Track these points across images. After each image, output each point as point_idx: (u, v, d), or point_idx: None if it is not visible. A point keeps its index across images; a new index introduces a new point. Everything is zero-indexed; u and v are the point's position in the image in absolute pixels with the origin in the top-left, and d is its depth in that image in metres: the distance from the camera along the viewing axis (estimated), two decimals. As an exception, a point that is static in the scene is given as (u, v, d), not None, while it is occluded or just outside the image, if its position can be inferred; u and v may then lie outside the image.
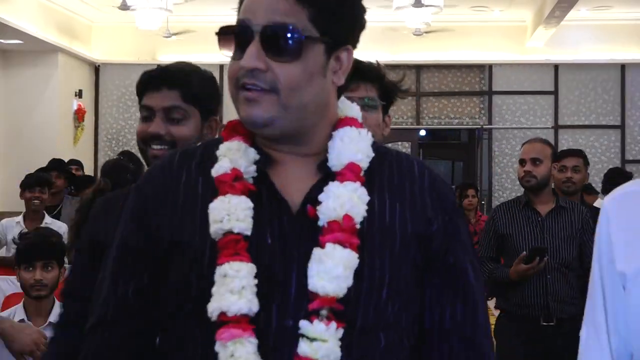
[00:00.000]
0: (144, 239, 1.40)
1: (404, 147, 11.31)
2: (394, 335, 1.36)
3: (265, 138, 1.38)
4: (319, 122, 1.38)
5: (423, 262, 1.38)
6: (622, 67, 11.09)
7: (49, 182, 6.14)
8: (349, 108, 1.44)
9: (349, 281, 1.29)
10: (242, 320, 1.28)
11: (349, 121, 1.41)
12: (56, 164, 7.11)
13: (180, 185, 1.39)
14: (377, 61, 2.36)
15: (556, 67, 11.31)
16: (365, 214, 1.32)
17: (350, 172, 1.34)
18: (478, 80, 11.56)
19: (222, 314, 1.28)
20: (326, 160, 1.36)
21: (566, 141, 10.99)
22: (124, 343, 1.41)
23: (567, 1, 8.82)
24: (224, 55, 1.33)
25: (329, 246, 1.29)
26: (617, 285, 1.50)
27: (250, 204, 1.32)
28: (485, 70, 11.48)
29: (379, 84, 2.30)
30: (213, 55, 11.10)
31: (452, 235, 1.40)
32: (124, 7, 9.27)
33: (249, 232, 1.31)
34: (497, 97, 11.48)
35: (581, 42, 11.03)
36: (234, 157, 1.36)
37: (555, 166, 4.31)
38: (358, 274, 1.30)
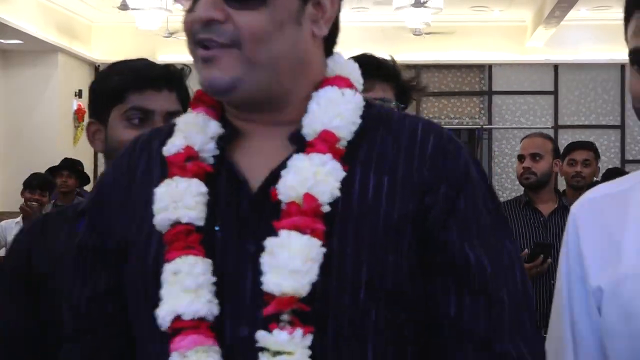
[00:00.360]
0: (96, 240, 1.20)
1: (404, 147, 11.30)
2: (387, 345, 1.09)
3: (232, 105, 1.15)
4: (296, 83, 1.13)
5: (420, 247, 1.10)
6: (622, 67, 11.09)
7: (51, 186, 6.12)
8: (343, 66, 1.18)
9: (311, 276, 1.03)
10: (201, 326, 1.06)
11: (335, 80, 1.15)
12: (68, 164, 7.10)
13: (138, 171, 1.19)
14: (392, 57, 2.13)
15: (556, 67, 11.31)
16: (337, 193, 1.07)
17: (322, 142, 1.09)
18: (478, 80, 11.56)
19: (177, 318, 1.06)
20: (301, 129, 1.12)
21: (566, 141, 10.94)
22: (89, 358, 1.21)
23: (567, 1, 8.82)
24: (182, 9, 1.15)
25: (284, 234, 1.05)
26: (591, 307, 1.25)
27: (203, 189, 1.11)
28: (485, 70, 11.48)
29: (395, 84, 2.09)
30: (213, 55, 10.89)
31: (452, 209, 1.10)
32: (124, 7, 9.27)
33: (201, 222, 1.10)
34: (497, 97, 11.48)
35: (581, 42, 11.03)
36: (189, 132, 1.15)
37: (557, 162, 4.01)
38: (325, 267, 1.05)
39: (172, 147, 1.15)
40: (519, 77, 11.39)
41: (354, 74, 1.18)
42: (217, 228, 1.10)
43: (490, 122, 11.46)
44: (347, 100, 1.13)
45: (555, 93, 11.37)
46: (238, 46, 1.08)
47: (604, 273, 1.24)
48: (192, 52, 1.12)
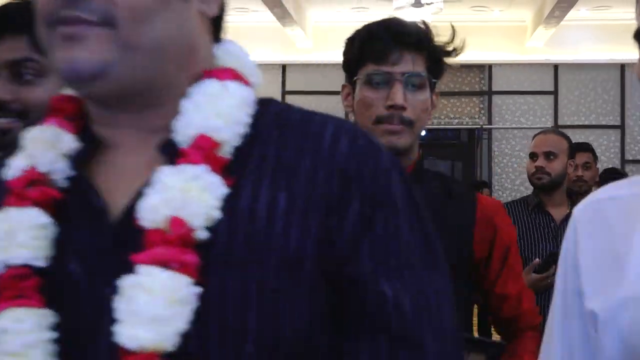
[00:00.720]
0: None
1: (404, 147, 11.31)
2: None
3: (96, 101, 0.90)
4: (179, 74, 0.89)
5: (328, 284, 0.86)
6: (622, 67, 11.10)
7: None
8: (233, 56, 0.95)
9: (179, 323, 0.80)
10: None
11: (217, 72, 0.91)
12: None
13: None
14: (423, 21, 1.80)
15: (556, 67, 11.32)
16: (216, 214, 0.84)
17: (196, 149, 0.86)
18: (478, 80, 11.57)
19: None
20: (173, 135, 0.88)
21: (566, 141, 11.01)
22: None
23: (567, 1, 8.82)
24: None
25: (143, 270, 0.81)
26: (587, 328, 1.04)
27: (44, 219, 0.87)
28: (485, 70, 11.48)
29: (428, 52, 1.75)
30: (213, 55, 11.00)
31: (366, 232, 0.86)
32: (124, 7, 9.27)
33: (40, 263, 0.86)
34: (497, 97, 11.49)
35: (581, 42, 11.04)
36: (34, 150, 0.91)
37: (571, 163, 3.61)
38: (200, 312, 0.82)
39: (12, 169, 0.91)
40: (519, 77, 11.40)
41: (247, 65, 0.95)
42: (71, 269, 0.86)
43: (490, 122, 11.47)
44: (231, 96, 0.89)
45: (555, 93, 11.38)
46: (111, 25, 0.84)
47: (600, 295, 1.03)
48: (47, 34, 0.86)
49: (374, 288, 0.86)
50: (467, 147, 12.27)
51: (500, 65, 11.40)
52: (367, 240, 0.86)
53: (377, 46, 1.73)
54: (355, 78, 1.77)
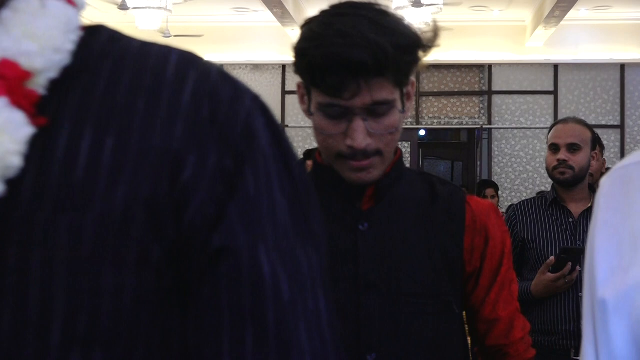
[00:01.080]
0: None
1: (403, 147, 11.31)
2: None
3: None
4: None
5: (173, 258, 0.67)
6: (622, 67, 11.10)
7: None
8: None
9: None
10: None
11: None
12: None
13: None
14: (392, 16, 1.48)
15: (556, 67, 11.32)
16: (15, 162, 0.64)
17: None
18: (478, 80, 11.57)
19: None
20: None
21: (566, 141, 11.00)
22: None
23: (566, 1, 8.82)
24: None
25: None
26: (605, 314, 0.89)
27: None
28: (484, 70, 11.49)
29: (395, 69, 1.38)
30: (213, 55, 11.09)
31: (231, 192, 0.67)
32: (124, 7, 9.28)
33: None
34: (496, 97, 11.49)
35: (581, 42, 11.04)
36: None
37: (595, 155, 3.23)
38: None
39: None
40: (518, 77, 11.41)
41: None
42: None
43: (490, 122, 11.47)
44: (50, 15, 0.70)
45: (555, 93, 11.39)
46: None
47: (612, 279, 0.88)
48: None
49: (248, 265, 0.67)
50: (467, 147, 12.27)
51: (500, 65, 11.41)
52: (235, 203, 0.67)
53: (328, 80, 1.37)
54: (308, 103, 1.46)
